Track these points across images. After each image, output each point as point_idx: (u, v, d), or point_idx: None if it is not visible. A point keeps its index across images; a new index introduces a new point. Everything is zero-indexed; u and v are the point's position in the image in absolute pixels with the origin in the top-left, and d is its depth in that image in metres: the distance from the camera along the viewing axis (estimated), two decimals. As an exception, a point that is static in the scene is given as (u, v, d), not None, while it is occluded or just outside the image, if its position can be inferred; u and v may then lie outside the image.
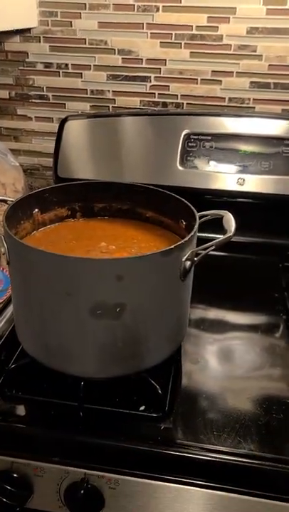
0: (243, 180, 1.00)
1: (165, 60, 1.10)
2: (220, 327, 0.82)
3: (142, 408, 0.66)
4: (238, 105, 1.12)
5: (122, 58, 1.12)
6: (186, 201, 0.71)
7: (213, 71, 1.09)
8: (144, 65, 1.12)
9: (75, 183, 0.77)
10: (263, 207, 1.01)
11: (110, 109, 1.17)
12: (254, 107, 1.11)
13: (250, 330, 0.83)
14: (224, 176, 1.01)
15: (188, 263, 0.61)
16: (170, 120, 1.05)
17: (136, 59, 1.11)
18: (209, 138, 1.02)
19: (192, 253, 0.62)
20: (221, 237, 0.63)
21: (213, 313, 0.86)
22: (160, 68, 1.11)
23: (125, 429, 0.63)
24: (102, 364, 0.62)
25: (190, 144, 1.02)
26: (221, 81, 1.10)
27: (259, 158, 1.00)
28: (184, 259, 0.61)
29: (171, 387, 0.68)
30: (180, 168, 1.03)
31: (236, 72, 1.09)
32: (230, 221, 0.65)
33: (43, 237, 0.74)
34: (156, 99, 1.14)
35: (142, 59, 1.11)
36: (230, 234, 0.63)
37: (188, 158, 1.02)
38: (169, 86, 1.13)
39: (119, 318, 0.58)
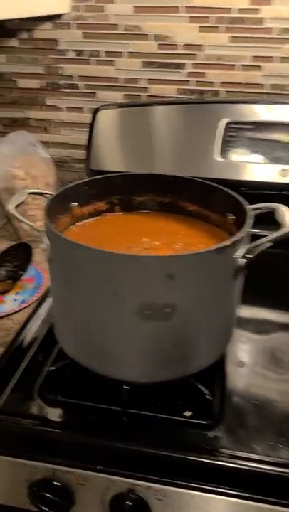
0: (287, 171, 0.94)
1: (202, 45, 1.05)
2: (265, 327, 0.78)
3: (188, 414, 0.62)
4: (279, 92, 1.06)
5: (158, 44, 1.07)
6: (234, 193, 0.67)
7: (253, 56, 1.04)
8: (180, 51, 1.06)
9: (115, 175, 0.73)
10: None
11: (144, 98, 1.13)
12: (296, 94, 1.06)
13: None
14: (266, 167, 0.96)
15: (242, 261, 0.57)
16: (207, 108, 1.01)
17: (172, 45, 1.06)
18: (251, 127, 0.97)
19: (247, 250, 0.57)
20: (272, 233, 0.58)
21: (257, 313, 0.81)
22: (197, 54, 1.06)
23: (172, 437, 0.59)
24: (147, 368, 0.58)
25: (230, 134, 0.97)
26: (260, 67, 1.04)
27: (303, 148, 0.95)
28: (238, 257, 0.56)
29: (218, 393, 0.64)
30: (219, 159, 0.98)
31: (278, 57, 1.03)
32: (284, 214, 0.60)
33: (82, 232, 0.70)
34: (192, 87, 1.09)
35: (177, 44, 1.06)
36: (287, 228, 0.58)
37: (228, 148, 0.97)
38: (205, 73, 1.07)
39: (169, 319, 0.54)
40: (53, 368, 0.65)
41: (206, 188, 0.71)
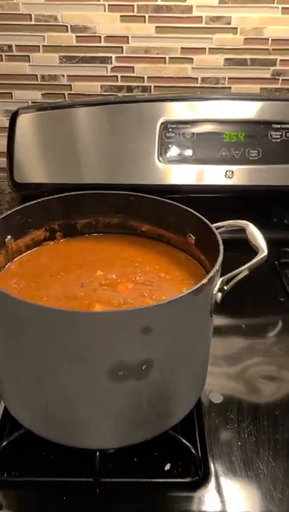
0: (232, 172, 0.89)
1: (127, 36, 0.95)
2: (232, 349, 0.72)
3: (168, 467, 0.55)
4: (213, 86, 0.99)
5: (77, 36, 0.95)
6: (194, 212, 0.59)
7: (182, 48, 0.96)
8: (103, 44, 0.96)
9: (52, 198, 0.62)
10: (254, 201, 0.91)
11: (66, 97, 1.01)
12: (230, 88, 1.00)
13: (267, 341, 0.73)
14: (210, 169, 0.89)
15: (219, 295, 0.49)
16: (139, 108, 0.91)
17: (93, 37, 0.95)
18: (189, 126, 0.89)
19: (222, 282, 0.50)
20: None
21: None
22: (122, 47, 0.96)
23: (155, 505, 0.51)
24: (123, 431, 0.50)
25: (167, 135, 0.89)
26: (192, 59, 0.97)
27: (246, 146, 0.89)
28: (215, 292, 0.49)
29: (199, 440, 0.57)
30: (157, 163, 0.89)
31: (209, 49, 0.96)
32: (257, 235, 0.54)
33: (21, 271, 0.59)
34: (119, 83, 1.00)
35: (100, 36, 0.95)
36: (264, 253, 0.51)
37: (167, 150, 0.89)
38: (133, 67, 0.98)
39: (146, 376, 0.46)
40: (5, 443, 0.53)
41: (160, 205, 0.62)
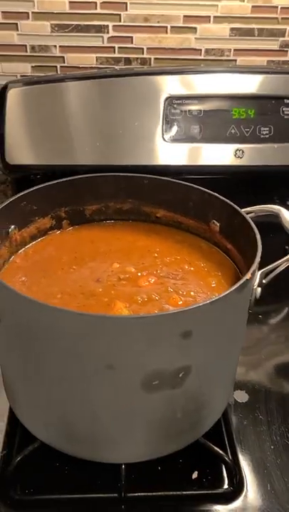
0: (242, 151, 0.83)
1: (125, 3, 0.87)
2: (250, 341, 0.67)
3: (195, 476, 0.50)
4: (217, 58, 0.93)
5: (70, 2, 0.87)
6: (217, 195, 0.53)
7: (185, 16, 0.89)
8: (98, 11, 0.88)
9: (57, 182, 0.55)
10: (266, 181, 0.86)
11: (58, 70, 0.93)
12: (235, 60, 0.93)
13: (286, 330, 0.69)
14: (219, 148, 0.83)
15: (259, 290, 0.44)
16: (139, 82, 0.84)
17: (87, 2, 0.87)
18: (195, 101, 0.83)
19: (262, 275, 0.44)
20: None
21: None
22: (120, 14, 0.88)
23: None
24: (154, 443, 0.44)
25: (173, 111, 0.83)
26: (195, 28, 0.90)
27: (257, 123, 0.83)
28: (255, 287, 0.43)
29: (229, 445, 0.52)
30: (162, 142, 0.83)
31: (214, 17, 0.89)
32: (293, 221, 0.49)
33: (27, 265, 0.52)
34: (116, 55, 0.92)
35: (95, 3, 0.87)
36: (306, 242, 0.46)
37: (172, 128, 0.83)
38: (132, 37, 0.90)
39: (182, 384, 0.40)
40: (19, 459, 0.48)
41: (178, 188, 0.56)
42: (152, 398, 0.40)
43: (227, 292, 0.38)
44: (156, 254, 0.54)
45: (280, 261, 0.45)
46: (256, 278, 0.43)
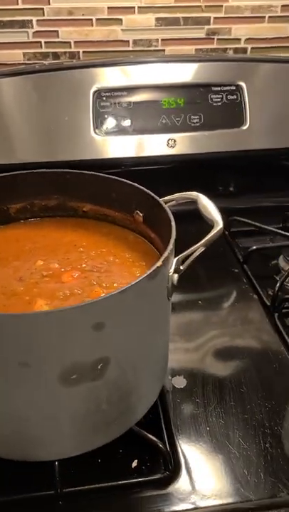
0: (174, 141, 0.83)
1: (48, -4, 0.86)
2: (190, 327, 0.68)
3: (135, 464, 0.51)
4: (146, 48, 0.93)
5: (-10, -2, 0.85)
6: (138, 185, 0.54)
7: (110, 8, 0.88)
8: (20, 5, 0.86)
9: (-23, 182, 0.55)
10: (198, 169, 0.87)
11: (-15, 68, 0.91)
12: (164, 50, 0.94)
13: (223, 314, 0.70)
14: (151, 139, 0.83)
15: (175, 276, 0.45)
16: (68, 76, 0.83)
17: (9, -2, 0.86)
18: (125, 93, 0.83)
19: (178, 261, 0.45)
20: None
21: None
22: (43, 8, 0.87)
23: (132, 509, 0.47)
24: (83, 436, 0.45)
25: (102, 104, 0.82)
26: (121, 20, 0.90)
27: (187, 112, 0.84)
28: (170, 273, 0.44)
29: (166, 431, 0.53)
30: (93, 135, 0.82)
31: (138, 7, 0.89)
32: (210, 207, 0.50)
33: None
34: (43, 50, 0.91)
35: (16, -3, 0.86)
36: (220, 226, 0.47)
37: (103, 121, 0.83)
38: (58, 31, 0.89)
39: (102, 376, 0.41)
40: None
41: (101, 181, 0.56)
42: (73, 392, 0.40)
43: (137, 281, 0.38)
44: (81, 249, 0.54)
45: (194, 246, 0.45)
46: (172, 265, 0.44)
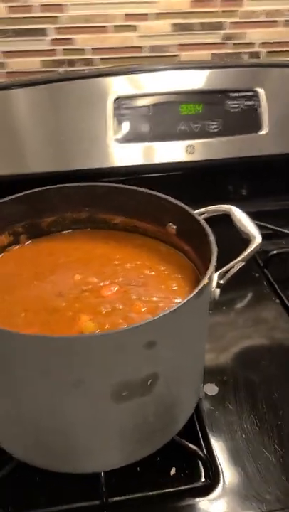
0: (193, 147, 0.84)
1: (64, 4, 0.86)
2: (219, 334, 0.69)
3: (173, 472, 0.52)
4: (161, 54, 0.93)
5: (7, 7, 0.85)
6: (170, 198, 0.54)
7: (126, 15, 0.89)
8: (37, 14, 0.86)
9: (12, 198, 0.55)
10: (217, 174, 0.88)
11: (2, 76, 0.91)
12: (179, 55, 0.94)
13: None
14: (170, 146, 0.84)
15: (217, 291, 0.46)
16: (86, 84, 0.83)
17: (25, 6, 0.86)
18: (143, 101, 0.83)
19: (219, 276, 0.46)
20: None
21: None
22: (59, 16, 0.87)
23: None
24: (130, 448, 0.46)
25: (121, 112, 0.83)
26: (136, 26, 0.90)
27: (205, 118, 0.85)
28: (213, 289, 0.45)
29: (203, 440, 0.54)
30: (114, 143, 0.83)
31: (154, 14, 0.89)
32: (244, 221, 0.51)
33: (-12, 285, 0.52)
34: (60, 57, 0.91)
35: (31, 6, 0.86)
36: (258, 240, 0.48)
37: (122, 129, 0.83)
38: (73, 38, 0.90)
39: (151, 391, 0.42)
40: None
41: (133, 194, 0.57)
42: (123, 407, 0.41)
43: (186, 300, 0.39)
44: (116, 262, 0.55)
45: (234, 261, 0.46)
46: (213, 280, 0.45)
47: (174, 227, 0.56)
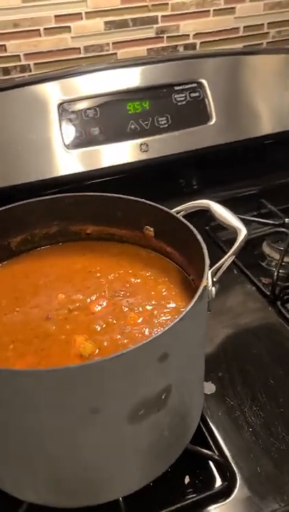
0: (146, 145, 0.82)
1: (-10, 10, 0.82)
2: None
3: (188, 480, 0.50)
4: (97, 54, 0.91)
5: None
6: (146, 201, 0.52)
7: (56, 16, 0.85)
8: None
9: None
10: (172, 170, 0.87)
11: None
12: (116, 53, 0.92)
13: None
14: (123, 146, 0.82)
15: (213, 290, 0.44)
16: (24, 92, 0.79)
17: None
18: (88, 103, 0.80)
19: (212, 274, 0.45)
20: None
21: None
22: (-14, 23, 0.82)
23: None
24: (147, 468, 0.43)
25: (67, 117, 0.80)
26: (69, 27, 0.87)
27: (153, 114, 0.83)
28: (210, 288, 0.44)
29: (212, 442, 0.53)
30: (63, 150, 0.79)
31: (85, 13, 0.87)
32: (226, 214, 0.49)
33: None
34: (-8, 66, 0.86)
35: None
36: (244, 233, 0.47)
37: (70, 134, 0.80)
38: (5, 45, 0.85)
39: (166, 405, 0.40)
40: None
41: (104, 201, 0.55)
42: (140, 427, 0.39)
43: (192, 304, 0.38)
44: (98, 274, 0.53)
45: (225, 257, 0.45)
46: (209, 280, 0.43)
47: (152, 229, 0.54)
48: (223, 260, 0.45)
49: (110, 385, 0.35)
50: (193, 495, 0.49)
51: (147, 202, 0.52)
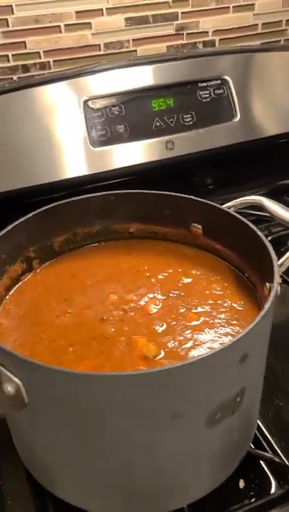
0: (172, 143, 0.81)
1: (11, 5, 0.79)
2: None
3: (242, 484, 0.49)
4: (117, 51, 0.89)
5: None
6: (195, 198, 0.51)
7: (77, 12, 0.83)
8: (-19, 18, 0.79)
9: (18, 223, 0.48)
10: (197, 168, 0.85)
11: None
12: (135, 50, 0.90)
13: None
14: (149, 144, 0.80)
15: (279, 289, 0.43)
16: (47, 91, 0.77)
17: None
18: (114, 100, 0.78)
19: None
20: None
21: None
22: (7, 19, 0.80)
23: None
24: (216, 473, 0.42)
25: (94, 114, 0.78)
26: (90, 24, 0.85)
27: (178, 111, 0.82)
28: (276, 286, 0.42)
29: (266, 443, 0.51)
30: (90, 148, 0.77)
31: (106, 9, 0.85)
32: (280, 210, 0.48)
33: (14, 322, 0.45)
34: (10, 64, 0.84)
35: (-26, 9, 0.78)
36: (304, 227, 0.46)
37: (96, 132, 0.78)
38: (24, 42, 0.83)
39: (239, 407, 0.38)
40: None
41: (149, 199, 0.53)
42: (215, 431, 0.38)
43: (269, 303, 0.36)
44: (147, 274, 0.51)
45: (282, 258, 0.44)
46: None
47: (200, 226, 0.52)
48: (281, 260, 0.44)
49: (194, 388, 0.33)
50: (252, 499, 0.48)
51: (198, 199, 0.51)
